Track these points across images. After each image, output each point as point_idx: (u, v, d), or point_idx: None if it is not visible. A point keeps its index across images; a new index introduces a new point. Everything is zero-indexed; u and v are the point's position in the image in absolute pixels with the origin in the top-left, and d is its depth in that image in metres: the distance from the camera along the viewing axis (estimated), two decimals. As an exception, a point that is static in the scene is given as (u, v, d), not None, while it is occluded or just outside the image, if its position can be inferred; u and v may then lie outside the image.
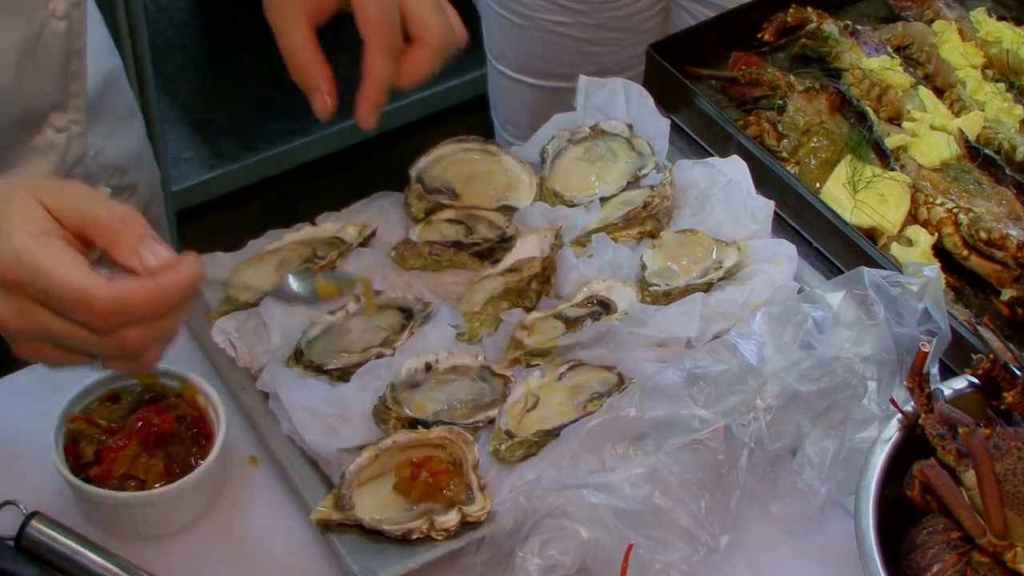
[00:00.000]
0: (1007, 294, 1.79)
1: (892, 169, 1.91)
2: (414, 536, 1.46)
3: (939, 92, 2.08)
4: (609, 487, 1.47)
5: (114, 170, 1.94)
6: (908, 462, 1.45)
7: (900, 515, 1.43)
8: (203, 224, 3.72)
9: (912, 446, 1.46)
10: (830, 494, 1.53)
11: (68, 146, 1.79)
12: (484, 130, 2.62)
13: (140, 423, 1.52)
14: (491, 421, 1.57)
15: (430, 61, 1.52)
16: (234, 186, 3.86)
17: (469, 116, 3.92)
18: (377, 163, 3.76)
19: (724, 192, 1.80)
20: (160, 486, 1.50)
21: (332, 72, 1.51)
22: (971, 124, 2.01)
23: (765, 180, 1.85)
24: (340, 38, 1.60)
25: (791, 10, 2.16)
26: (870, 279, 1.62)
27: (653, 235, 1.78)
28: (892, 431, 1.47)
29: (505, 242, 1.76)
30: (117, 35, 3.22)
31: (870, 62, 2.08)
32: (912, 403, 1.48)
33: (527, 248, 1.74)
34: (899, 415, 1.48)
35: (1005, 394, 1.50)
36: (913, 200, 1.88)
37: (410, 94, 3.99)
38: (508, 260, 1.73)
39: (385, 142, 3.77)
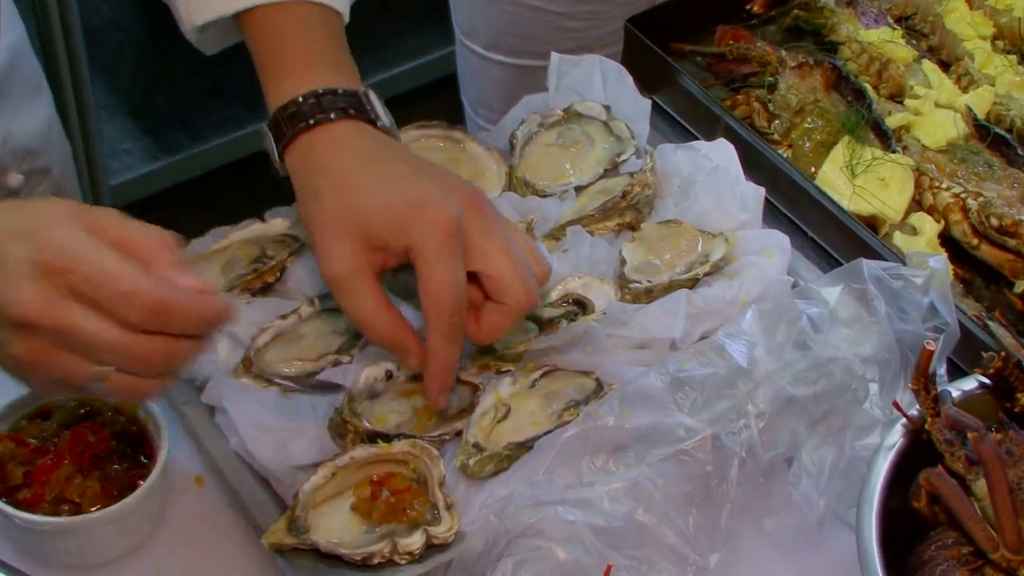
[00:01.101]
0: (1021, 286, 1.80)
1: (894, 151, 1.92)
2: (375, 561, 1.46)
3: (945, 66, 2.09)
4: (587, 503, 1.47)
5: (25, 155, 1.95)
6: (914, 471, 1.45)
7: (906, 529, 1.44)
8: (144, 221, 3.71)
9: (918, 453, 1.46)
10: (829, 507, 1.54)
11: None
12: (453, 113, 2.61)
13: (74, 441, 1.52)
14: (458, 434, 1.58)
15: (509, 323, 1.54)
16: (178, 179, 3.85)
17: (436, 98, 3.91)
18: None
19: (710, 179, 1.80)
20: (97, 510, 1.49)
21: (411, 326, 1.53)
22: (980, 100, 2.02)
23: (755, 165, 1.86)
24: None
25: (782, -22, 2.17)
26: (870, 272, 1.63)
27: (633, 227, 1.79)
28: (896, 437, 1.47)
29: (472, 237, 1.76)
30: (46, 14, 3.21)
31: (869, 34, 2.09)
32: (917, 406, 1.48)
33: (496, 243, 1.74)
34: (903, 420, 1.48)
35: (1019, 395, 1.50)
36: (917, 185, 1.89)
37: (370, 75, 3.99)
38: (475, 257, 1.74)
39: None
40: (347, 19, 1.68)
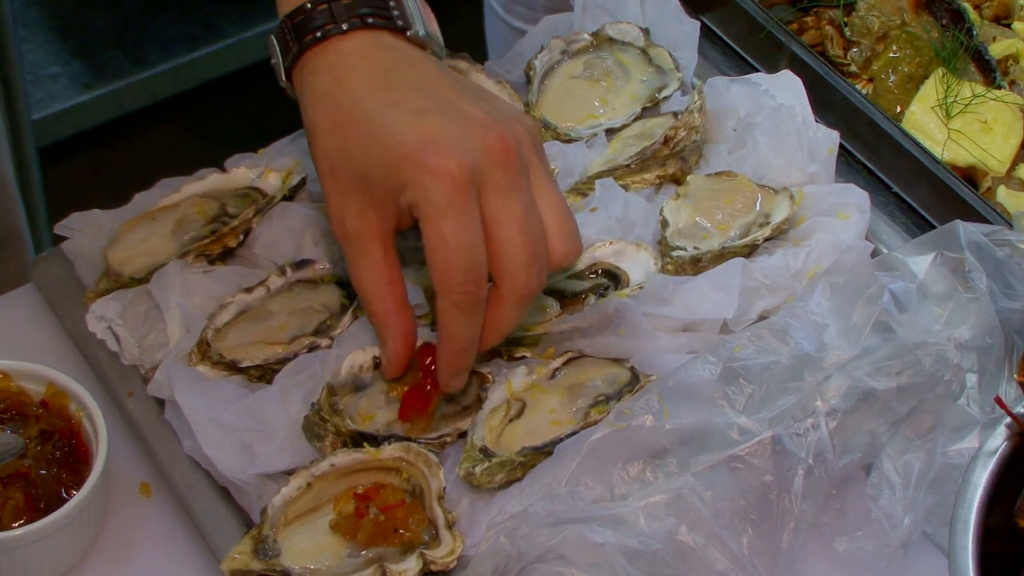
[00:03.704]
0: None
1: (999, 87, 1.92)
2: (360, 590, 1.48)
3: (1066, -21, 2.09)
4: (619, 521, 1.48)
5: None
6: (1020, 482, 1.46)
7: (1009, 553, 1.45)
8: (75, 165, 3.71)
9: (1025, 461, 1.48)
10: (916, 525, 1.55)
11: None
12: (475, 9, 2.61)
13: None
14: (462, 435, 1.59)
15: (505, 314, 1.53)
16: (116, 113, 3.85)
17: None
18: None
19: (772, 120, 1.81)
20: (19, 526, 1.51)
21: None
22: (1110, 22, 2.02)
23: (827, 103, 1.87)
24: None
25: None
26: (968, 237, 1.64)
27: (677, 180, 1.80)
28: (998, 441, 1.48)
29: (478, 192, 1.77)
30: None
31: (970, -61, 2.10)
32: (1025, 403, 1.49)
33: (508, 200, 1.75)
34: (1008, 419, 1.49)
35: None
36: (1027, 128, 1.89)
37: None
38: (483, 216, 1.75)
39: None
40: None
